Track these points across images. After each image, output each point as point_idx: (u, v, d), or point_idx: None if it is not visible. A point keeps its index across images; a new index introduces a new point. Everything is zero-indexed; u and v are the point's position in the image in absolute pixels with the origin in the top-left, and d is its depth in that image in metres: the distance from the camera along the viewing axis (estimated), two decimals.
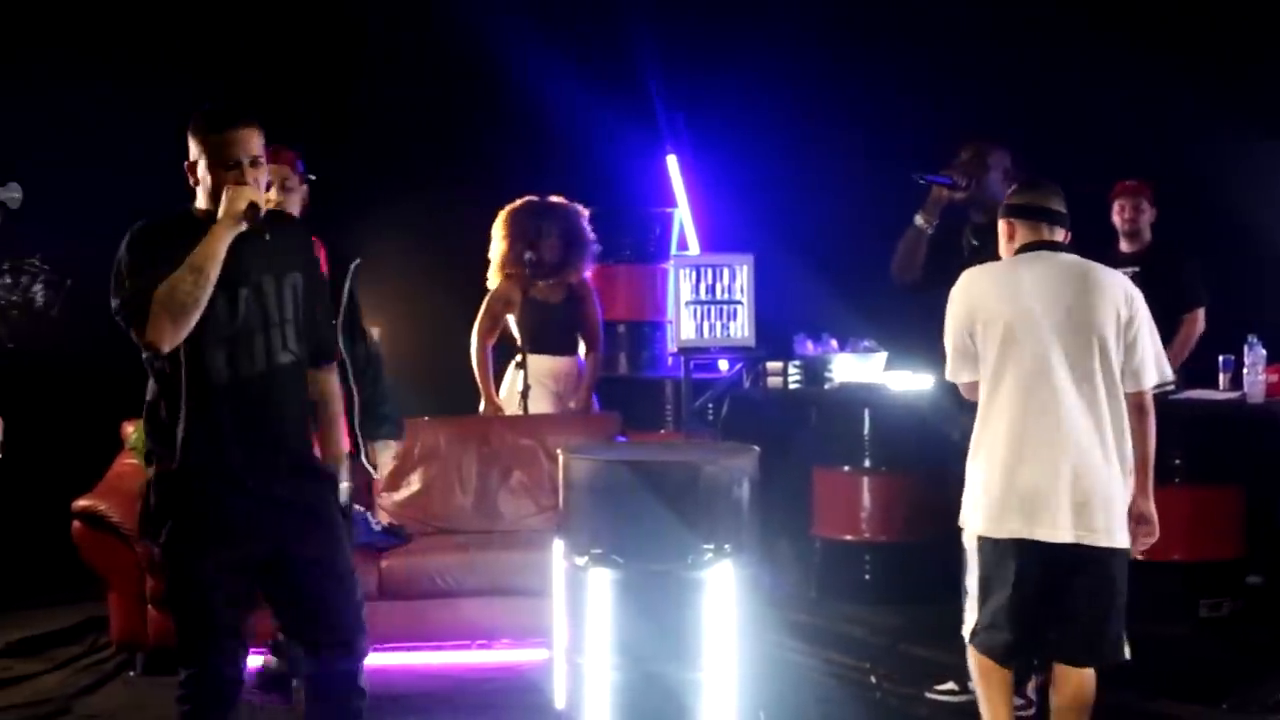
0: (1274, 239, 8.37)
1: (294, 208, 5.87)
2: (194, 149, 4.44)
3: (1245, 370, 7.23)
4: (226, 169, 4.38)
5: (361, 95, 9.63)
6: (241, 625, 4.56)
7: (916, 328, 6.06)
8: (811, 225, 9.25)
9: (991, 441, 4.88)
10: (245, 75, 8.96)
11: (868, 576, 7.94)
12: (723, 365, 8.95)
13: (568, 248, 8.10)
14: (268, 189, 5.77)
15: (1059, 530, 4.78)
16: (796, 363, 8.24)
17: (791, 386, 8.23)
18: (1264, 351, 7.20)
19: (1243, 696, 6.15)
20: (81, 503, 6.65)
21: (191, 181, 4.47)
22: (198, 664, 4.50)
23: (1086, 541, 4.79)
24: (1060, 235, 5.05)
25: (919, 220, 6.36)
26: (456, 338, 8.24)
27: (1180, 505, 7.00)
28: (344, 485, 5.17)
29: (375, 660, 6.43)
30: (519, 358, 7.93)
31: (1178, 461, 7.14)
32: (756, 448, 5.26)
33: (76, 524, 6.66)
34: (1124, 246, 7.88)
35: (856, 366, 8.13)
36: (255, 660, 6.28)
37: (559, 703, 5.37)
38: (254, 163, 4.43)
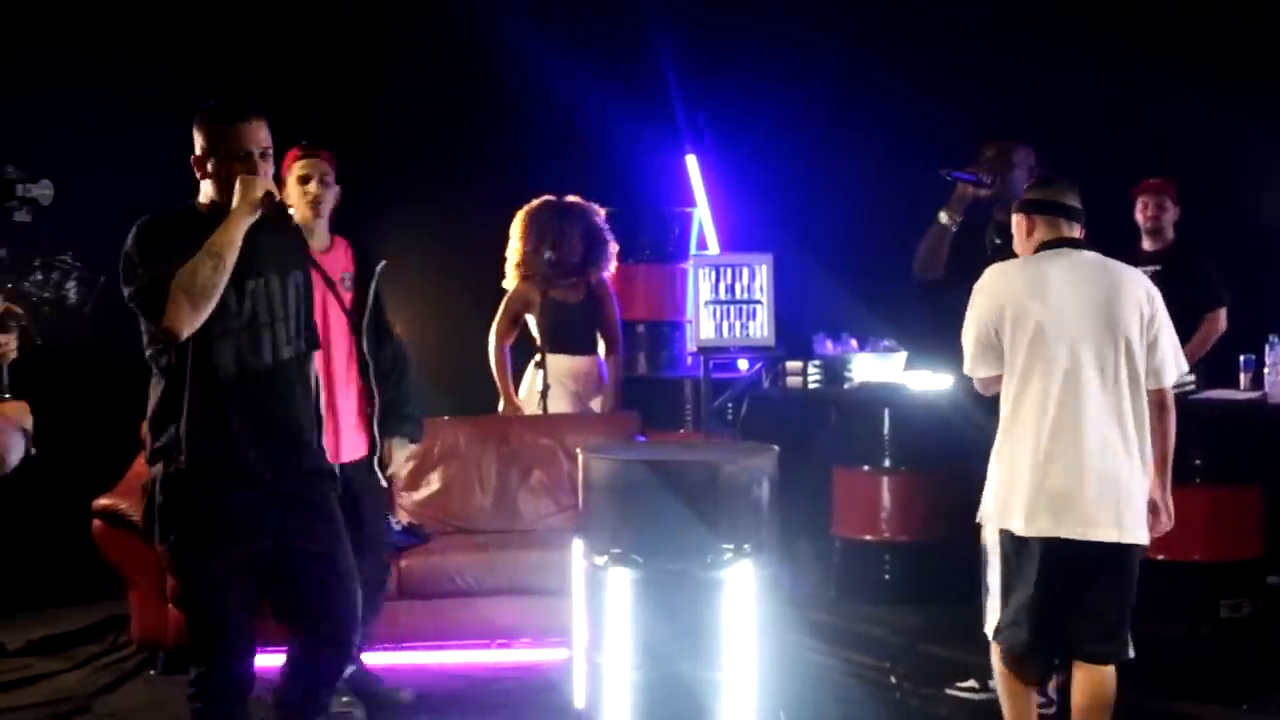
0: None
1: (329, 204, 5.97)
2: (202, 142, 4.49)
3: (1266, 370, 7.21)
4: (237, 160, 4.43)
5: (379, 95, 9.63)
6: (251, 623, 4.58)
7: (936, 327, 6.05)
8: (831, 225, 9.24)
9: (1020, 440, 4.89)
10: (265, 76, 8.97)
11: (887, 576, 7.93)
12: (742, 365, 8.94)
13: (588, 248, 8.09)
14: (306, 182, 5.87)
15: (1088, 528, 4.80)
16: (816, 362, 8.22)
17: (811, 386, 8.21)
18: None
19: (1264, 697, 6.15)
20: (102, 501, 6.66)
21: (199, 175, 4.51)
22: (209, 663, 4.51)
23: (1112, 539, 4.82)
24: (1078, 231, 5.07)
25: (943, 217, 6.36)
26: (475, 337, 8.23)
27: (1200, 505, 6.99)
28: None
29: (395, 659, 6.50)
30: (538, 357, 7.93)
31: (1198, 461, 7.11)
32: (776, 447, 5.26)
33: (97, 523, 6.67)
34: (1146, 245, 7.86)
35: (876, 366, 8.11)
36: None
37: (578, 702, 5.37)
38: (263, 154, 4.50)
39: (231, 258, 4.33)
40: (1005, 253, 5.48)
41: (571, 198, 8.21)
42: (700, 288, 8.19)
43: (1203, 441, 7.07)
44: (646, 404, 8.45)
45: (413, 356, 6.26)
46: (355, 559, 6.14)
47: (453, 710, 6.23)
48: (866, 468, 8.03)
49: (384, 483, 6.09)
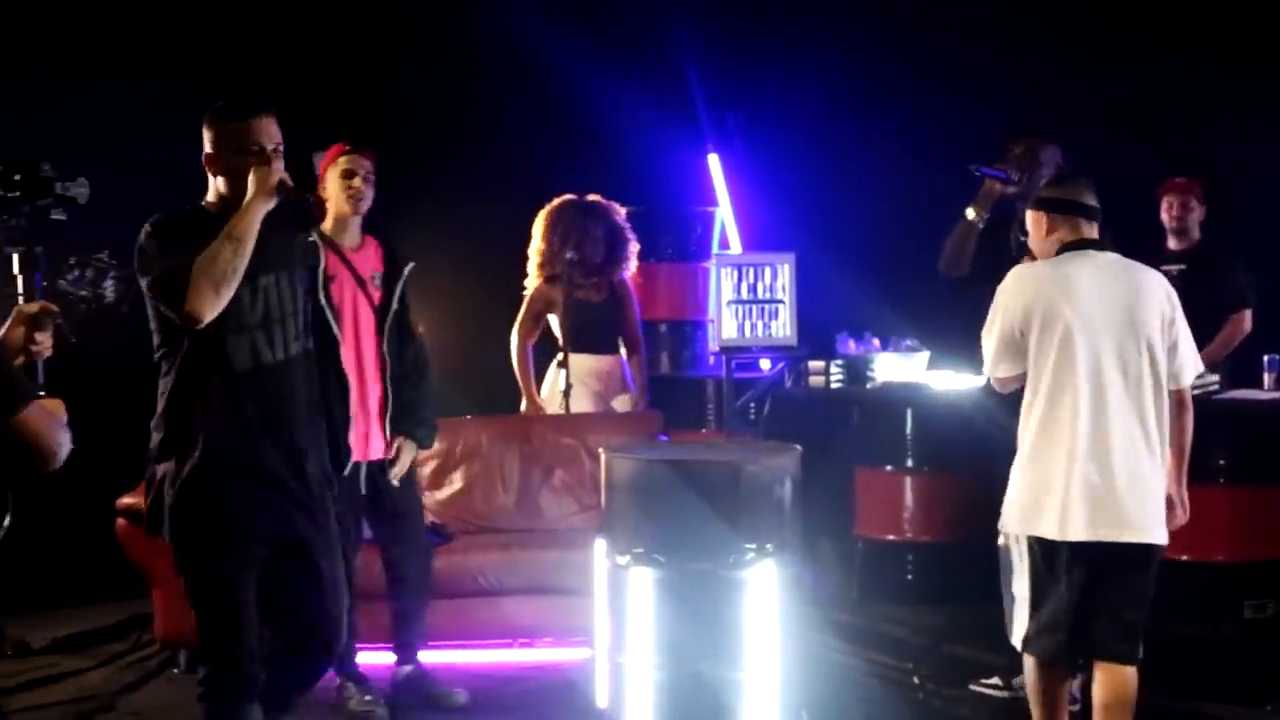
0: None
1: (368, 201, 6.10)
2: (213, 140, 4.55)
3: None
4: (250, 154, 4.48)
5: (399, 95, 9.64)
6: (259, 620, 4.59)
7: (959, 327, 6.04)
8: (853, 224, 9.22)
9: (1050, 444, 4.89)
10: (287, 77, 8.99)
11: (910, 576, 7.91)
12: (764, 364, 8.93)
13: (610, 248, 8.09)
14: (351, 177, 5.94)
15: (1121, 530, 4.82)
16: (838, 362, 8.20)
17: (833, 386, 8.19)
18: None
19: None
20: (125, 500, 6.68)
21: (211, 173, 4.57)
22: (223, 661, 4.51)
23: (1144, 540, 4.85)
24: (1096, 231, 5.07)
25: (970, 213, 6.36)
26: (497, 337, 8.24)
27: (1224, 505, 6.97)
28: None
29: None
30: (560, 357, 7.93)
31: (1222, 462, 7.08)
32: (798, 447, 5.26)
33: (121, 521, 6.70)
34: (1172, 244, 7.83)
35: (899, 366, 8.10)
36: None
37: (601, 702, 5.38)
38: (275, 150, 4.55)
39: (250, 243, 4.37)
40: (1030, 250, 5.48)
41: (593, 197, 8.21)
42: (722, 287, 8.20)
43: (1226, 442, 7.03)
44: (669, 404, 8.45)
45: (433, 360, 6.30)
46: (399, 557, 6.20)
47: (475, 709, 6.23)
48: (889, 467, 8.01)
49: (395, 482, 6.11)
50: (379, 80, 9.67)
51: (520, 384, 8.13)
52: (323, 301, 5.85)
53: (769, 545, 4.92)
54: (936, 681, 6.43)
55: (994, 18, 9.06)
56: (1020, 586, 4.98)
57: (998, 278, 5.15)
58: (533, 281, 8.14)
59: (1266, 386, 7.33)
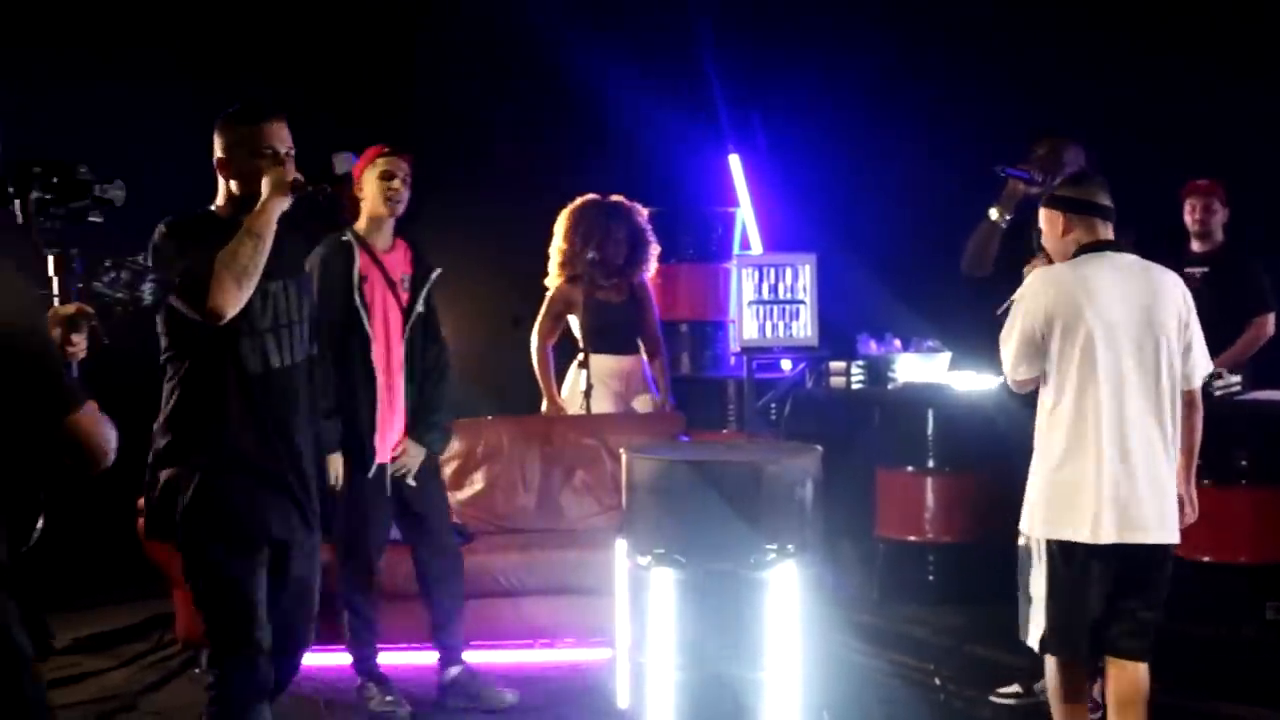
0: None
1: (404, 203, 6.12)
2: (226, 144, 4.60)
3: None
4: (263, 157, 4.54)
5: (421, 94, 9.65)
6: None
7: (981, 328, 6.03)
8: (874, 224, 9.21)
9: (1079, 448, 4.88)
10: (310, 77, 9.02)
11: (931, 577, 7.90)
12: (785, 365, 8.93)
13: (632, 249, 8.09)
14: (390, 178, 5.99)
15: (1146, 532, 4.85)
16: (860, 362, 8.19)
17: (854, 386, 8.18)
18: None
19: None
20: None
21: (223, 177, 4.61)
22: (238, 659, 4.53)
23: (1161, 540, 4.88)
24: (1111, 231, 5.08)
25: (994, 214, 6.35)
26: (517, 337, 8.25)
27: (1246, 507, 6.96)
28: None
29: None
30: (581, 357, 7.93)
31: (1244, 463, 7.06)
32: (819, 448, 5.26)
33: (142, 522, 6.70)
34: (1195, 246, 7.80)
35: (920, 366, 8.08)
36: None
37: (622, 702, 5.38)
38: (287, 154, 4.60)
39: (269, 240, 4.44)
40: (1043, 249, 5.48)
41: (616, 197, 8.21)
42: (743, 288, 8.21)
43: (1249, 443, 7.02)
44: (690, 404, 8.47)
45: (454, 360, 6.32)
46: (425, 558, 6.23)
47: (497, 709, 6.22)
48: (910, 468, 7.99)
49: (410, 481, 6.14)
50: (399, 80, 9.68)
51: (541, 384, 8.13)
52: (357, 302, 5.90)
53: (790, 546, 4.92)
54: (958, 683, 6.41)
55: (1018, 19, 9.05)
56: (1037, 587, 4.98)
57: (1020, 278, 5.16)
58: (553, 281, 8.14)
59: None
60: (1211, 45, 8.61)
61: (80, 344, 3.56)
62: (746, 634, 4.93)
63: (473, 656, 6.55)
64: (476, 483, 7.54)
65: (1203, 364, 5.06)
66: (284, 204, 4.48)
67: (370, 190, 6.07)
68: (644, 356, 8.24)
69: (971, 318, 6.39)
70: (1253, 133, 8.38)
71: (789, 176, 9.83)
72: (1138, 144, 8.38)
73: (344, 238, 6.05)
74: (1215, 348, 6.67)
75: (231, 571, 4.51)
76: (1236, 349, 7.38)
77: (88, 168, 3.83)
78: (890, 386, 8.05)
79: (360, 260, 6.01)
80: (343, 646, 6.29)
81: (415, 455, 6.13)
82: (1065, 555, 4.89)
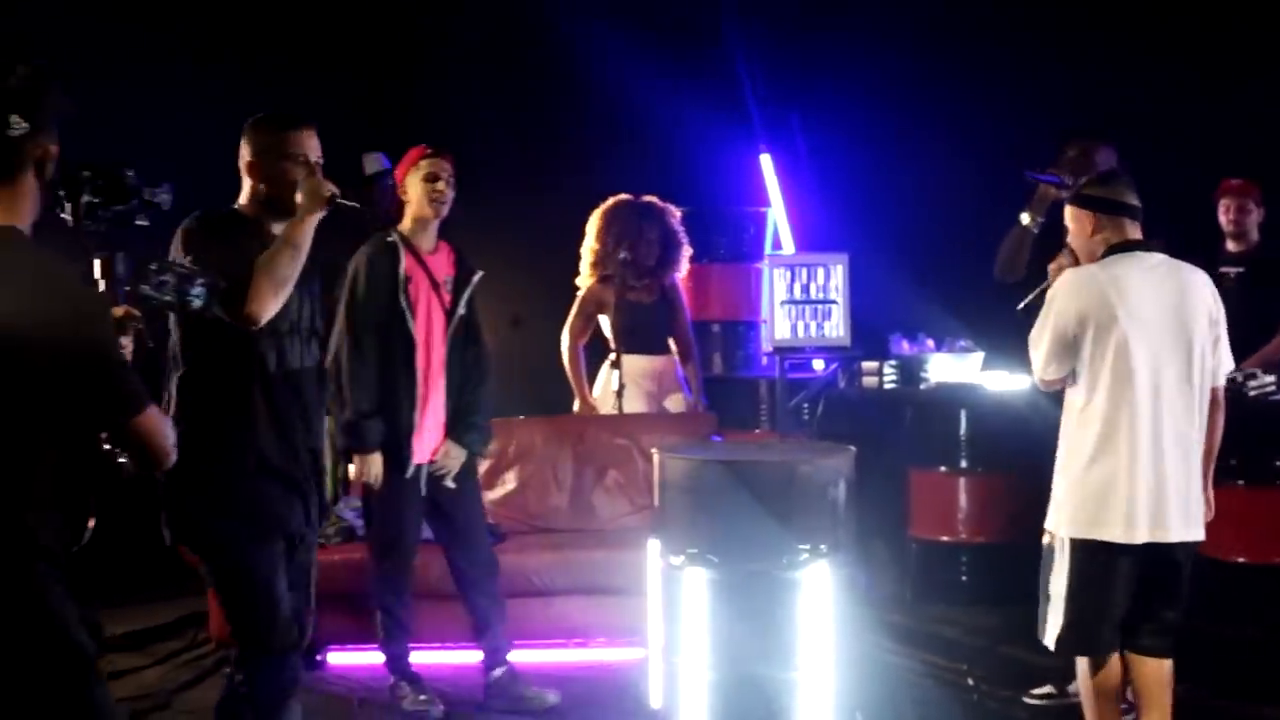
0: None
1: (449, 204, 6.13)
2: (256, 149, 4.64)
3: None
4: (295, 163, 4.59)
5: (451, 94, 9.66)
6: None
7: (1013, 328, 6.01)
8: (906, 224, 9.18)
9: (1112, 448, 4.90)
10: (339, 77, 9.04)
11: (964, 577, 7.89)
12: (817, 365, 8.91)
13: (664, 249, 8.09)
14: (434, 180, 5.99)
15: (1180, 530, 4.88)
16: (892, 362, 8.18)
17: (887, 386, 8.17)
18: None
19: None
20: None
21: (252, 180, 4.65)
22: (270, 656, 4.56)
23: (1189, 538, 4.92)
24: (1140, 231, 5.08)
25: (1025, 218, 6.34)
26: (550, 337, 8.25)
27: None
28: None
29: (469, 658, 6.51)
30: (613, 357, 7.93)
31: (1278, 463, 7.02)
32: (852, 448, 5.25)
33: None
34: (1230, 246, 7.74)
35: (953, 366, 8.06)
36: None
37: (655, 702, 5.38)
38: (317, 163, 4.65)
39: (305, 250, 4.49)
40: (1069, 247, 5.48)
41: (649, 198, 8.21)
42: (775, 287, 8.19)
43: None
44: (722, 404, 8.46)
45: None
46: (459, 560, 6.23)
47: (529, 709, 6.23)
48: (943, 468, 7.98)
49: (448, 483, 6.15)
50: (431, 81, 9.70)
51: (572, 384, 8.14)
52: (402, 303, 5.92)
53: (823, 546, 4.91)
54: (991, 683, 6.40)
55: (1052, 19, 9.02)
56: (1058, 585, 5.00)
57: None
58: (585, 281, 8.14)
59: None
60: (1247, 44, 8.56)
61: (127, 347, 3.58)
62: (779, 634, 4.92)
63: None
64: (509, 482, 7.56)
65: (1227, 362, 5.09)
66: (319, 216, 4.53)
67: (414, 193, 6.08)
68: (676, 357, 8.24)
69: (1004, 318, 6.37)
70: None
71: (822, 176, 9.81)
72: (1172, 143, 8.33)
73: (389, 238, 6.06)
74: (1251, 347, 6.70)
75: (262, 572, 4.54)
76: (1271, 348, 7.32)
77: (134, 172, 3.86)
78: (923, 386, 8.04)
79: (405, 261, 6.02)
80: (376, 645, 6.31)
81: (456, 456, 6.14)
82: (1092, 554, 4.90)
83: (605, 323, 8.06)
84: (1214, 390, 5.05)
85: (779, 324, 8.21)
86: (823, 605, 4.93)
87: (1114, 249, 5.01)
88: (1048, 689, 6.11)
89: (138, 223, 3.88)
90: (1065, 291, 5.01)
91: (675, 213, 8.21)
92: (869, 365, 8.24)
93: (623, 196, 8.16)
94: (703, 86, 9.53)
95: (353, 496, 7.08)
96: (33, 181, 3.11)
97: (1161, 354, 4.87)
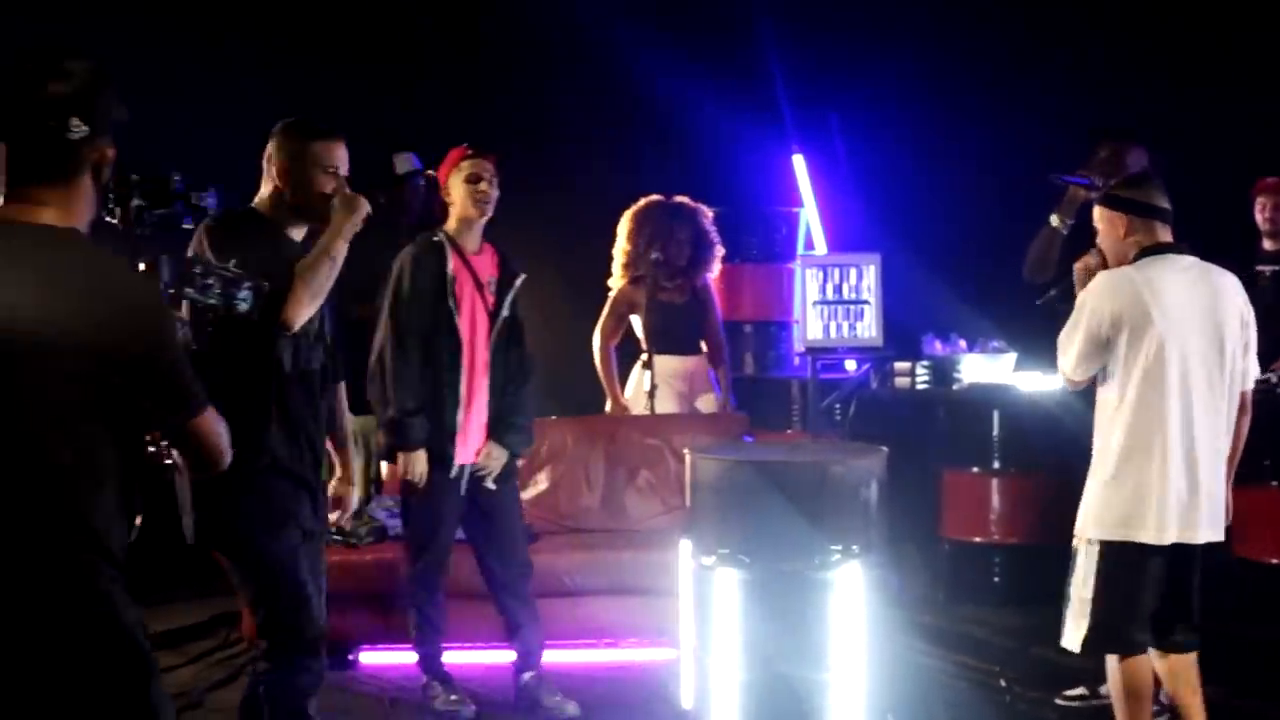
0: None
1: (493, 204, 6.13)
2: (285, 154, 4.73)
3: None
4: (326, 174, 4.69)
5: (481, 94, 9.66)
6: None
7: (1046, 328, 6.00)
8: (939, 225, 9.17)
9: (1145, 450, 4.91)
10: (371, 77, 9.06)
11: (997, 578, 7.87)
12: (850, 365, 8.90)
13: (695, 250, 8.09)
14: (477, 181, 6.00)
15: (1201, 531, 4.91)
16: (925, 363, 8.16)
17: (919, 387, 8.15)
18: None
19: None
20: None
21: (280, 183, 4.72)
22: (304, 656, 4.62)
23: (1215, 539, 4.97)
24: (1170, 234, 5.09)
25: (1054, 220, 6.33)
26: (582, 337, 8.26)
27: None
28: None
29: (500, 658, 6.52)
30: (645, 357, 7.93)
31: None
32: (884, 448, 5.24)
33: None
34: (1266, 245, 7.70)
35: (985, 367, 8.04)
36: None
37: (686, 703, 5.38)
38: (345, 176, 4.76)
39: (341, 260, 4.62)
40: (1097, 247, 5.47)
41: (681, 198, 8.20)
42: (808, 288, 8.18)
43: None
44: (754, 404, 8.46)
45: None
46: (493, 561, 6.23)
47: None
48: (976, 469, 7.96)
49: (489, 484, 6.15)
50: (462, 81, 9.70)
51: (604, 385, 8.14)
52: (450, 304, 5.93)
53: (854, 546, 4.91)
54: (1023, 684, 6.38)
55: (1084, 20, 9.00)
56: (1085, 588, 5.02)
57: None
58: (617, 282, 8.15)
59: None
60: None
61: None
62: (811, 635, 4.92)
63: None
64: (541, 483, 7.57)
65: (1254, 368, 5.12)
66: (355, 230, 4.64)
67: (458, 194, 6.06)
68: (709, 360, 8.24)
69: (1037, 319, 6.36)
70: None
71: (855, 176, 9.80)
72: (1207, 142, 8.30)
73: (435, 238, 6.06)
74: None
75: (285, 559, 4.60)
76: None
77: (180, 176, 3.89)
78: (955, 387, 8.02)
79: (452, 262, 6.03)
80: (408, 645, 6.32)
81: (498, 458, 6.13)
82: (1122, 555, 4.92)
83: (637, 323, 8.05)
84: (1242, 394, 5.07)
85: (811, 324, 8.19)
86: (854, 606, 4.92)
87: (1146, 251, 5.01)
88: (1080, 690, 6.09)
89: (184, 226, 3.92)
90: (1099, 293, 5.01)
91: (707, 213, 8.20)
92: (901, 366, 8.21)
93: (654, 197, 8.16)
94: (735, 87, 9.52)
95: (385, 496, 7.10)
96: (90, 184, 3.12)
97: (1194, 356, 4.88)
